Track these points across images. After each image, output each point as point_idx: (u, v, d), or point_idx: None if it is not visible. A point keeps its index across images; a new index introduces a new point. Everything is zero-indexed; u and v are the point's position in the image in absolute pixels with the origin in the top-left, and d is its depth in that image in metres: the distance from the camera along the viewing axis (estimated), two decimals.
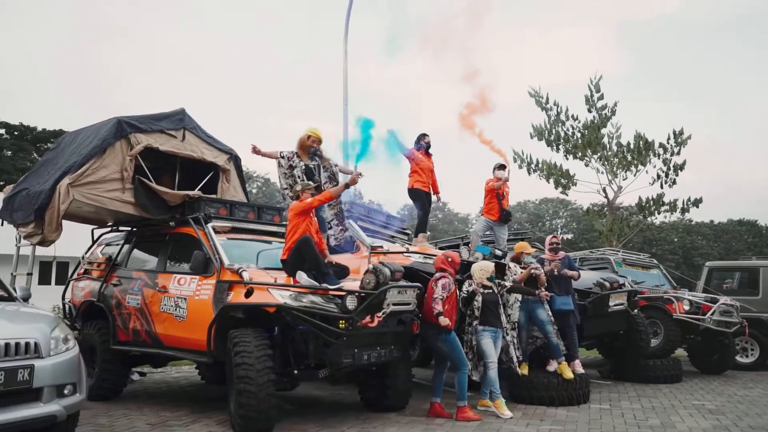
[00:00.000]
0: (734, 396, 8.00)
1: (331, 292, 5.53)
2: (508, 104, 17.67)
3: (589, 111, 15.16)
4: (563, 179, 14.86)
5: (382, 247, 8.00)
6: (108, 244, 8.21)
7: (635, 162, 15.30)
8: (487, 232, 9.27)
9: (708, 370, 10.50)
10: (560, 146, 15.11)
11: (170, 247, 7.07)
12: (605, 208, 15.98)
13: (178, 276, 6.61)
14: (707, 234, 45.67)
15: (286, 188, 7.05)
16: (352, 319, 5.43)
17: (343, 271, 6.01)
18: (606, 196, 15.40)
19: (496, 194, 8.92)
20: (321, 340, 5.45)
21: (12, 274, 8.03)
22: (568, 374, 7.11)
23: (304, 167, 6.75)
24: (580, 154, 14.89)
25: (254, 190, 44.72)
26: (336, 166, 7.43)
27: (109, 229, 8.24)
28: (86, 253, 8.43)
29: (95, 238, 8.39)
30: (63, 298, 8.40)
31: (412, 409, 6.59)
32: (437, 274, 6.35)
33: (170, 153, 7.28)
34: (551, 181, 14.86)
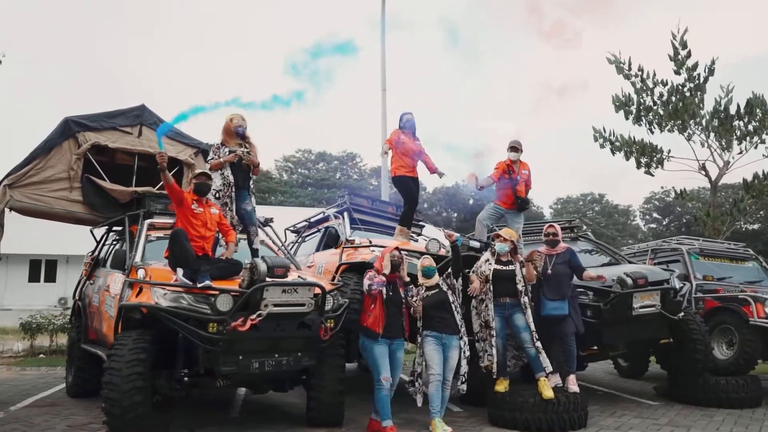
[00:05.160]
0: None
1: (209, 292, 4.94)
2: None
3: (677, 73, 12.49)
4: (645, 156, 12.40)
5: (354, 241, 7.24)
6: (104, 244, 8.39)
7: (757, 131, 12.38)
8: (499, 224, 7.98)
9: None
10: (642, 118, 12.61)
11: (121, 246, 6.97)
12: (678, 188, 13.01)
13: (117, 274, 6.45)
14: None
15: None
16: (225, 322, 4.79)
17: (232, 269, 5.35)
18: (707, 175, 12.60)
19: (509, 178, 7.61)
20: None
21: None
22: (548, 393, 5.70)
23: (227, 153, 6.13)
24: (668, 125, 12.27)
25: (370, 187, 43.70)
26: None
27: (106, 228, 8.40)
28: (92, 252, 8.70)
29: (99, 238, 8.61)
30: (74, 296, 8.76)
31: (356, 425, 5.75)
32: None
33: (124, 150, 7.17)
34: (631, 159, 12.51)
